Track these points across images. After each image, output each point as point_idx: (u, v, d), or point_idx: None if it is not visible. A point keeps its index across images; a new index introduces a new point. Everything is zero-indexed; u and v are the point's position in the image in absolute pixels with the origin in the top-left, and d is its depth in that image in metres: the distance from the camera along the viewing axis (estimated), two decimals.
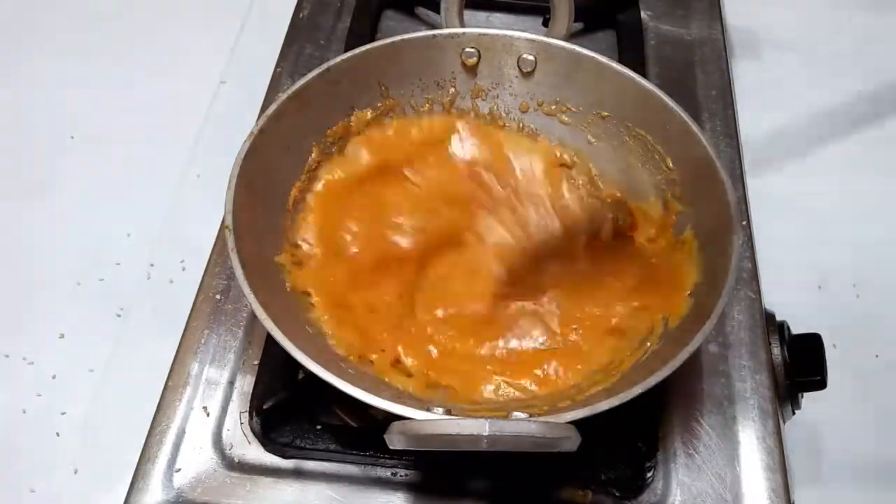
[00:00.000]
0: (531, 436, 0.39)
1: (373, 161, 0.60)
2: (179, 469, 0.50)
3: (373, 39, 0.71)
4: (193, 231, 0.70)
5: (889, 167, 0.83)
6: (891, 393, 0.68)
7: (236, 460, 0.51)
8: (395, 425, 0.40)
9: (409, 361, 0.52)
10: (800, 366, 0.56)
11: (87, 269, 0.72)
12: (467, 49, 0.62)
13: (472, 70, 0.63)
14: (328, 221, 0.57)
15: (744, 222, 0.63)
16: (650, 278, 0.55)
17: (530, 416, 0.43)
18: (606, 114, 0.61)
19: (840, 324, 0.70)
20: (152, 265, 0.72)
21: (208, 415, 0.53)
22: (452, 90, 0.63)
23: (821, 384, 0.55)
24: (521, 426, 0.39)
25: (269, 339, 0.54)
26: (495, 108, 0.64)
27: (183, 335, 0.56)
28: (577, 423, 0.40)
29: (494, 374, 0.52)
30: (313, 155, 0.58)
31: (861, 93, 0.89)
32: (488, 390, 0.51)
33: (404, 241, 0.58)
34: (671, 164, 0.57)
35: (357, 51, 0.59)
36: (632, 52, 0.73)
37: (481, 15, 0.78)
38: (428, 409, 0.43)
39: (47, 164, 0.80)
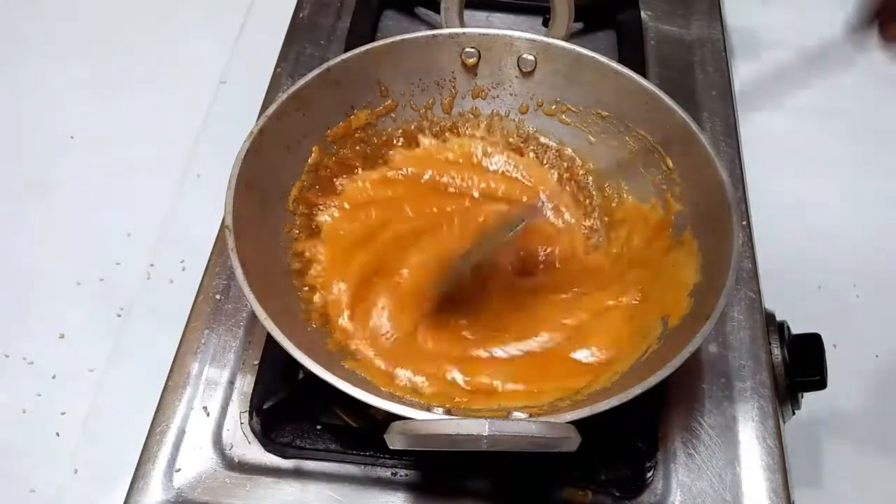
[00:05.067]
0: (531, 436, 0.39)
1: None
2: (179, 469, 0.50)
3: (373, 39, 0.71)
4: (193, 231, 0.70)
5: (889, 167, 0.83)
6: (891, 393, 0.68)
7: (236, 460, 0.51)
8: (395, 425, 0.40)
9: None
10: (800, 366, 0.56)
11: (87, 269, 0.72)
12: (467, 49, 0.62)
13: (472, 70, 0.63)
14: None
15: (744, 222, 0.63)
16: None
17: (530, 416, 0.43)
18: (606, 114, 0.61)
19: (840, 324, 0.70)
20: (152, 265, 0.72)
21: (208, 415, 0.53)
22: (452, 90, 0.63)
23: (821, 384, 0.55)
24: (521, 426, 0.39)
25: (269, 339, 0.54)
26: (495, 108, 0.64)
27: (183, 335, 0.56)
28: (577, 423, 0.40)
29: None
30: (314, 155, 0.58)
31: (861, 93, 0.89)
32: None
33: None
34: (671, 165, 0.57)
35: (357, 51, 0.59)
36: (632, 52, 0.73)
37: (481, 15, 0.78)
38: (428, 409, 0.43)
39: (47, 164, 0.80)
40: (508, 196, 0.62)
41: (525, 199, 0.62)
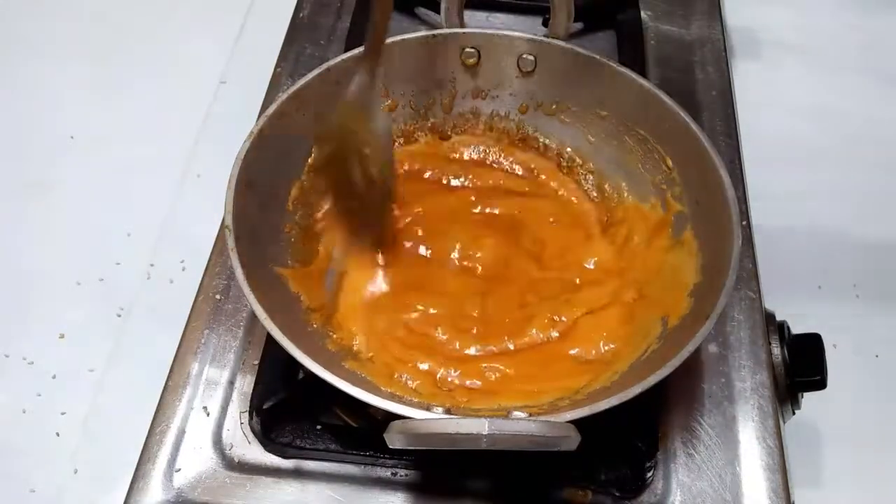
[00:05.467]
0: (531, 435, 0.39)
1: None
2: (179, 469, 0.50)
3: None
4: (193, 231, 0.70)
5: (889, 167, 0.83)
6: (891, 393, 0.68)
7: (236, 460, 0.51)
8: (395, 425, 0.40)
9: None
10: (800, 366, 0.56)
11: (87, 269, 0.72)
12: (467, 49, 0.62)
13: (471, 70, 0.63)
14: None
15: (744, 222, 0.63)
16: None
17: (530, 415, 0.43)
18: (606, 114, 0.61)
19: (840, 324, 0.70)
20: (152, 265, 0.72)
21: (208, 415, 0.53)
22: (452, 90, 0.63)
23: (821, 384, 0.55)
24: (520, 425, 0.39)
25: (269, 339, 0.54)
26: (495, 108, 0.64)
27: (183, 335, 0.56)
28: (577, 423, 0.40)
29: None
30: (314, 155, 0.58)
31: (861, 92, 0.89)
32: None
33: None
34: (671, 164, 0.57)
35: (357, 51, 0.59)
36: (632, 52, 0.73)
37: (481, 15, 0.78)
38: (428, 409, 0.43)
39: (47, 164, 0.80)
40: (512, 189, 0.63)
41: (528, 189, 0.63)
